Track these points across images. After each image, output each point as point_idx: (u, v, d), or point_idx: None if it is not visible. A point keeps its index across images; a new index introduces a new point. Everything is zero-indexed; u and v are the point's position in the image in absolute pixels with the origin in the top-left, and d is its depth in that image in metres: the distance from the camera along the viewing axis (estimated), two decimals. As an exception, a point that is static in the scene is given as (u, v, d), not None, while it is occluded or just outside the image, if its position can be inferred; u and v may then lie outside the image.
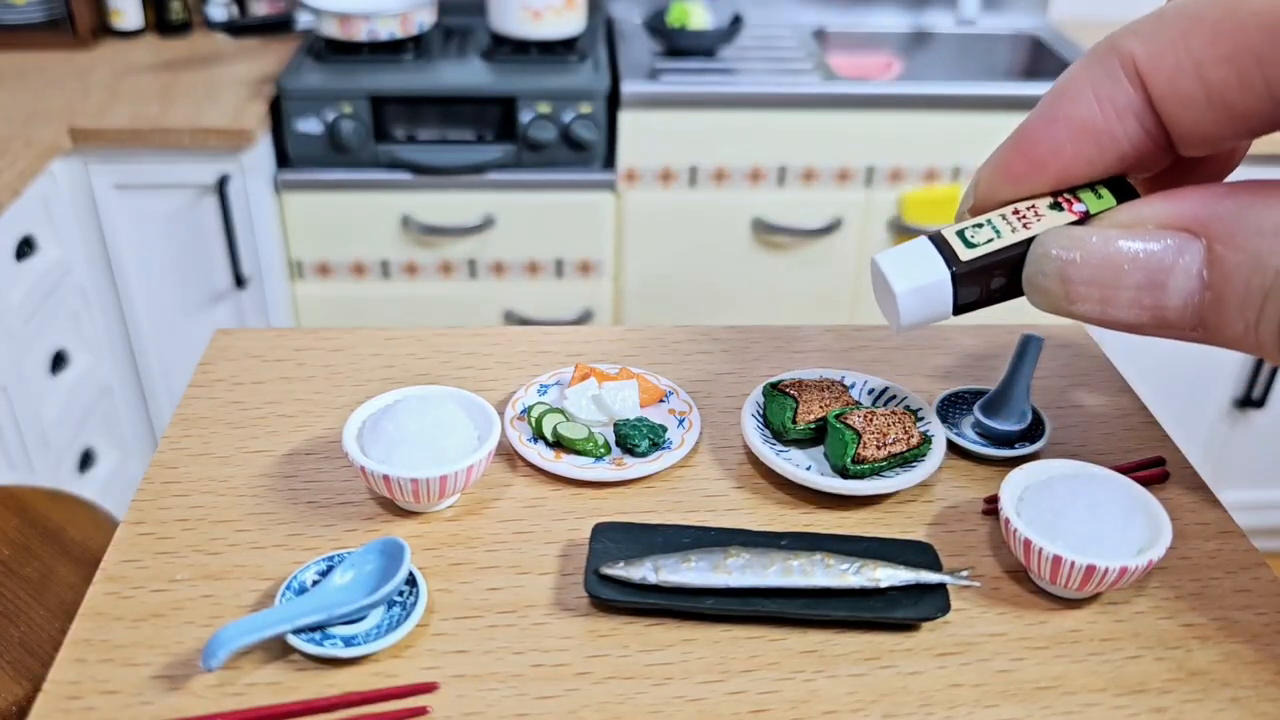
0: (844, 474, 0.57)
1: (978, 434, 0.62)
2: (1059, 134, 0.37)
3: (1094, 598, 0.52)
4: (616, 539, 0.53)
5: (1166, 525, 0.51)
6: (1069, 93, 0.36)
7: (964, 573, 0.52)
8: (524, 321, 1.75)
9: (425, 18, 1.70)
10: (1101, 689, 0.48)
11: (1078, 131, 0.36)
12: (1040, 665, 0.49)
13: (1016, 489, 0.53)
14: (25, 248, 1.43)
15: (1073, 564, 0.49)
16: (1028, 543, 0.50)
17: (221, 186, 1.54)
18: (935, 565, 0.53)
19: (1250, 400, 1.84)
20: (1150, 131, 0.35)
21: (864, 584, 0.50)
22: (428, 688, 0.47)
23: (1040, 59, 1.93)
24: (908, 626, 0.50)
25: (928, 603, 0.50)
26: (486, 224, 1.66)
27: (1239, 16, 0.32)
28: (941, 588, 0.51)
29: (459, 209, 1.65)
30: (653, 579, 0.50)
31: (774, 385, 0.62)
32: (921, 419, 0.61)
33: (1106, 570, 0.49)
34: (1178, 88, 0.34)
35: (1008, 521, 0.51)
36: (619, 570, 0.50)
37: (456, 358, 0.70)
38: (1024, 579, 0.54)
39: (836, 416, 0.58)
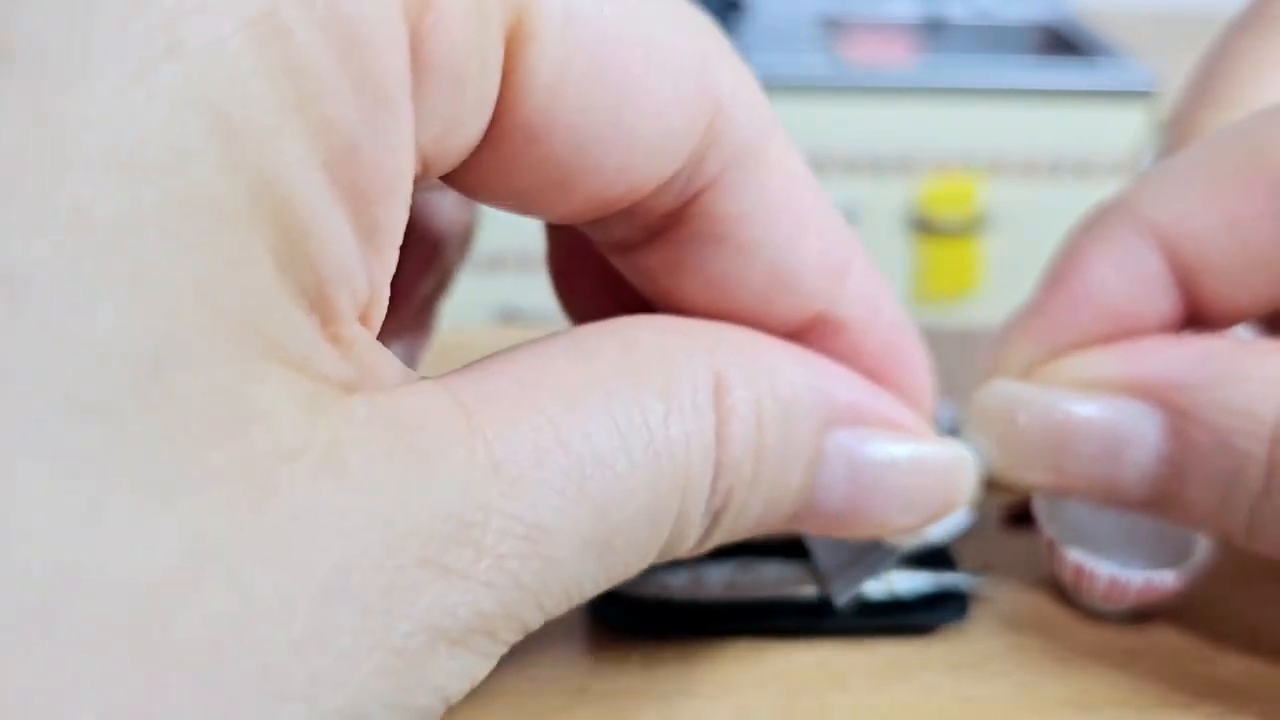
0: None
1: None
2: (1084, 318, 0.32)
3: (1126, 612, 0.50)
4: (617, 548, 0.51)
5: (1202, 546, 0.49)
6: (1088, 268, 0.32)
7: (980, 575, 0.50)
8: (522, 318, 1.73)
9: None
10: (1123, 703, 0.46)
11: (1105, 315, 0.32)
12: (1061, 679, 0.47)
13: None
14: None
15: (1094, 574, 0.47)
16: (1055, 549, 0.49)
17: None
18: (951, 569, 0.51)
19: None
20: (1174, 307, 0.32)
21: (878, 590, 0.49)
22: (419, 705, 0.45)
23: (1057, 49, 1.91)
24: (923, 629, 0.49)
25: (944, 607, 0.48)
26: (477, 214, 1.64)
27: (1269, 165, 0.28)
28: (958, 591, 0.49)
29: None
30: (655, 592, 0.48)
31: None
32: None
33: (1129, 583, 0.47)
34: (1210, 254, 0.30)
35: (1039, 521, 0.50)
36: (620, 583, 0.49)
37: (452, 360, 0.68)
38: (1046, 590, 0.52)
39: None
